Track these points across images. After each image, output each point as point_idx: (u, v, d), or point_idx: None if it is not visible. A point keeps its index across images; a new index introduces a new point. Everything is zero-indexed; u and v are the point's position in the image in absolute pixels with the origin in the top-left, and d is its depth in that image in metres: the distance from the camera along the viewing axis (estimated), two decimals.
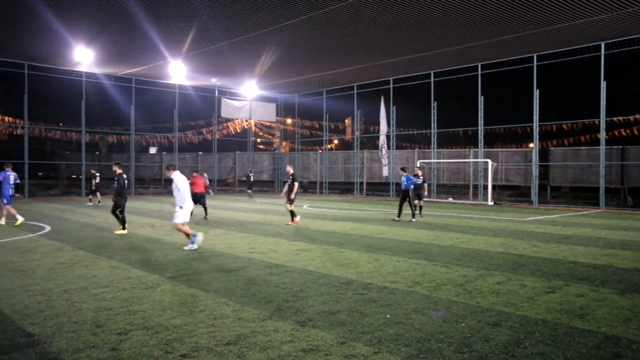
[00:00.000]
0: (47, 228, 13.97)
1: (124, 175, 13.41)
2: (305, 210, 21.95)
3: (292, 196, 15.21)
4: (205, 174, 24.01)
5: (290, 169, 15.89)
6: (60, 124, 41.64)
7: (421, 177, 18.54)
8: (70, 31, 22.34)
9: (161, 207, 22.80)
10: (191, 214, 11.04)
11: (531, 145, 28.15)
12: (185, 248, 10.37)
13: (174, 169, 10.63)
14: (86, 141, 32.33)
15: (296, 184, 15.34)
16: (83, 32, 22.75)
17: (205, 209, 17.49)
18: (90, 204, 24.10)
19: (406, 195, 17.00)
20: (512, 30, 21.26)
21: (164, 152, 47.23)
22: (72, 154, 45.35)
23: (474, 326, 5.29)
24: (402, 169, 18.06)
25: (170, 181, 10.56)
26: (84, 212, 19.28)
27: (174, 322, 5.35)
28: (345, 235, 12.90)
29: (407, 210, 17.42)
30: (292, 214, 15.31)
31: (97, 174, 24.65)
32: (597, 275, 7.98)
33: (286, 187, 15.42)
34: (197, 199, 16.37)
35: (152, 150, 51.44)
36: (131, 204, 24.55)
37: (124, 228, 13.07)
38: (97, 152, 47.20)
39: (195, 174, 17.83)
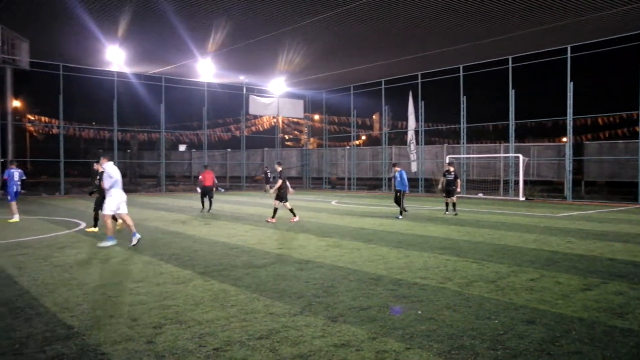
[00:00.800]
0: (83, 224, 14.35)
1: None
2: (333, 206, 21.97)
3: (278, 192, 15.04)
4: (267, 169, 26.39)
5: (278, 167, 15.43)
6: (93, 123, 42.67)
7: (453, 173, 17.83)
8: (104, 31, 22.86)
9: (192, 204, 23.15)
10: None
11: (564, 139, 27.48)
12: (100, 245, 10.24)
13: (109, 160, 10.77)
14: (118, 139, 33.05)
15: (279, 182, 15.02)
16: (115, 32, 23.25)
17: (211, 202, 18.70)
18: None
19: (398, 192, 16.69)
20: (545, 21, 20.76)
21: (194, 150, 47.93)
22: (105, 152, 46.46)
23: (507, 323, 5.21)
24: (394, 165, 17.48)
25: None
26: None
27: (206, 316, 5.44)
28: (374, 231, 12.86)
29: (398, 207, 17.28)
30: (292, 212, 15.25)
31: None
32: (637, 273, 7.74)
33: (278, 184, 15.19)
34: (206, 192, 18.46)
35: (182, 147, 52.22)
36: (162, 200, 25.03)
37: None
38: (129, 150, 48.21)
39: (205, 169, 19.04)
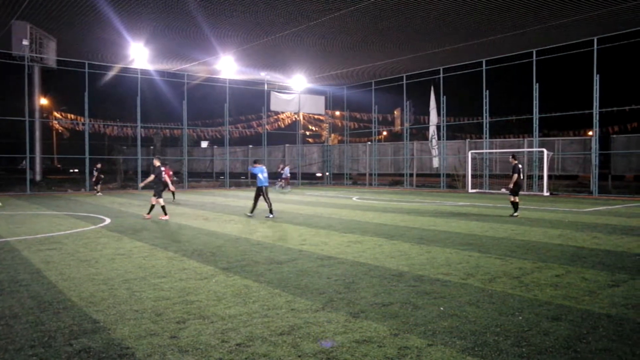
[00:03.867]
0: (107, 220, 14.61)
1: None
2: (354, 202, 21.93)
3: (156, 188, 15.22)
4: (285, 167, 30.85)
5: (156, 162, 15.38)
6: (117, 120, 43.36)
7: (512, 167, 15.54)
8: (129, 29, 23.19)
9: (214, 200, 23.37)
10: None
11: (590, 132, 26.90)
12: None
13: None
14: (141, 136, 33.52)
15: (151, 176, 15.14)
16: (140, 30, 23.56)
17: (174, 194, 22.83)
18: (100, 194, 26.54)
19: (260, 190, 15.43)
20: (570, 13, 20.31)
21: (215, 146, 48.31)
22: (129, 149, 47.18)
23: (532, 319, 5.13)
24: (256, 162, 16.27)
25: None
26: (140, 205, 20.03)
27: (229, 312, 5.48)
28: (395, 227, 12.79)
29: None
30: (151, 209, 15.32)
31: (99, 166, 26.84)
32: None
33: (150, 179, 15.36)
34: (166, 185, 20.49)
35: (204, 144, 52.70)
36: (184, 197, 25.33)
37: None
38: (152, 147, 48.87)
39: (165, 166, 21.05)
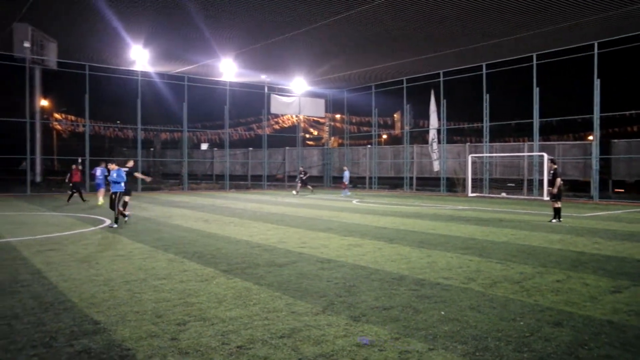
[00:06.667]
0: (107, 221, 14.59)
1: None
2: (354, 205, 21.92)
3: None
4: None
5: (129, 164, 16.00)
6: (118, 122, 43.37)
7: (552, 172, 15.27)
8: (129, 31, 23.23)
9: (214, 202, 23.36)
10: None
11: (590, 137, 26.92)
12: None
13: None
14: (141, 138, 33.51)
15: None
16: (140, 32, 23.60)
17: (81, 193, 22.78)
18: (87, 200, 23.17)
19: (114, 196, 13.51)
20: (570, 18, 20.36)
21: (215, 148, 48.33)
22: (129, 151, 47.17)
23: (533, 325, 5.12)
24: (108, 164, 14.56)
25: None
26: (140, 206, 20.01)
27: (229, 314, 5.47)
28: (396, 231, 12.78)
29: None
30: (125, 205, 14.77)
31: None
32: None
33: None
34: (77, 186, 22.38)
35: (204, 146, 52.73)
36: (184, 199, 25.31)
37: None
38: (152, 149, 48.87)
39: (76, 166, 22.95)
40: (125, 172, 14.10)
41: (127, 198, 14.76)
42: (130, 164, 16.23)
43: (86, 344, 4.52)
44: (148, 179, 20.94)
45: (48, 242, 10.57)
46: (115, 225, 13.32)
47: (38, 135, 31.03)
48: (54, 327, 4.98)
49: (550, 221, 14.87)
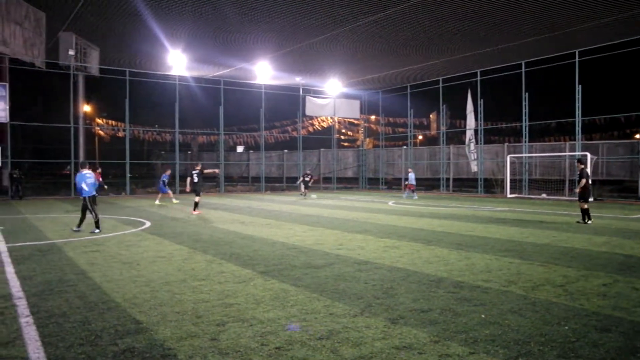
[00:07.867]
0: (148, 223, 14.95)
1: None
2: (390, 207, 21.76)
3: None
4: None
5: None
6: (156, 126, 44.43)
7: (578, 172, 14.84)
8: (169, 37, 23.79)
9: (250, 204, 23.61)
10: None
11: (638, 135, 25.88)
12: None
13: None
14: (179, 141, 34.22)
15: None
16: (179, 38, 24.14)
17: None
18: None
19: (85, 201, 12.81)
20: (615, 12, 19.64)
21: (251, 151, 48.88)
22: (167, 154, 48.24)
23: (579, 330, 4.95)
24: (81, 166, 13.54)
25: None
26: (178, 209, 20.42)
27: (267, 315, 5.51)
28: (432, 233, 12.62)
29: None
30: (196, 205, 18.05)
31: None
32: None
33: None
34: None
35: (240, 149, 53.38)
36: (221, 201, 25.68)
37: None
38: (189, 152, 49.82)
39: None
40: (196, 174, 18.10)
41: (197, 198, 18.03)
42: (199, 167, 18.58)
43: (130, 343, 4.64)
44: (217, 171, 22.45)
45: (91, 244, 10.90)
46: (98, 230, 12.65)
47: (81, 139, 32.10)
48: (99, 326, 5.13)
49: (578, 222, 14.53)
